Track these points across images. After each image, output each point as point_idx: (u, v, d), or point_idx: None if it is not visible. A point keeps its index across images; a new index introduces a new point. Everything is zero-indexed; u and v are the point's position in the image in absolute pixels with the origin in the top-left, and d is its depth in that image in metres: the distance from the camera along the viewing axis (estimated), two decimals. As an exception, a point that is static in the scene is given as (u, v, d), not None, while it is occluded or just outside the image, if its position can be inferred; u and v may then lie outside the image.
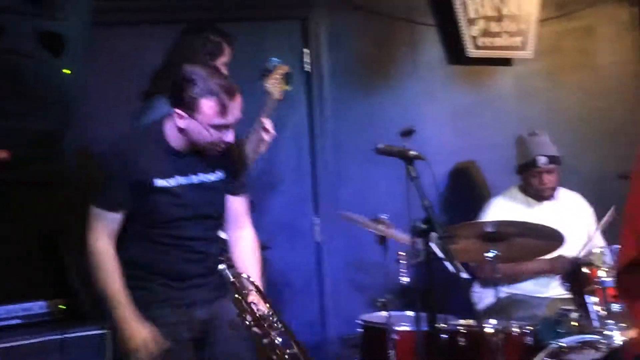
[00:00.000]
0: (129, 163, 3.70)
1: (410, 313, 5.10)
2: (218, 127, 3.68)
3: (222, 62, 4.81)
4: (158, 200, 3.74)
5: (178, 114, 3.67)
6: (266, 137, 4.77)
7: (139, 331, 3.71)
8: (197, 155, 3.80)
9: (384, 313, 4.78)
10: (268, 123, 4.77)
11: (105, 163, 3.78)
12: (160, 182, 3.73)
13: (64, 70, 4.01)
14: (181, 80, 3.66)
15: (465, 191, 6.10)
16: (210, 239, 3.96)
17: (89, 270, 3.74)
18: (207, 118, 3.66)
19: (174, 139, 3.75)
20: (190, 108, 3.65)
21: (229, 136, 3.74)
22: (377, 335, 4.86)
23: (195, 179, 3.82)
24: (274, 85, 4.88)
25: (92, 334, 4.54)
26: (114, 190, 3.73)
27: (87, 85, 4.64)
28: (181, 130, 3.71)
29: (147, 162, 3.72)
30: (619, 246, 3.69)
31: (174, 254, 3.81)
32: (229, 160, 3.91)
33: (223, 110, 3.66)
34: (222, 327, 3.85)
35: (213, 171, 3.87)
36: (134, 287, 3.76)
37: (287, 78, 4.98)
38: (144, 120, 4.54)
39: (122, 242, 3.80)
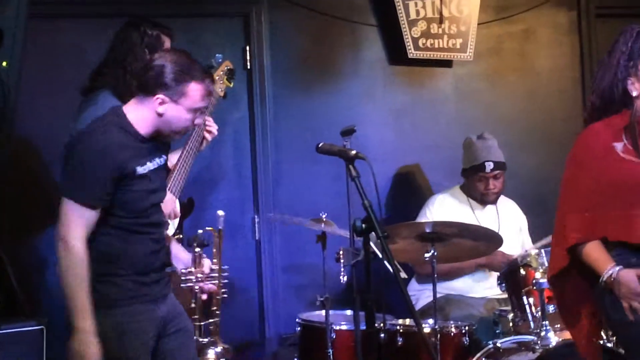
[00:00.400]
0: (108, 155, 3.57)
1: (348, 312, 5.13)
2: (197, 111, 3.71)
3: None
4: (137, 188, 3.66)
5: (161, 99, 3.64)
6: (208, 136, 4.75)
7: (94, 346, 3.58)
8: (154, 140, 3.76)
9: (322, 312, 4.78)
10: (210, 121, 4.75)
11: (81, 157, 3.58)
12: (139, 170, 3.66)
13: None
14: (161, 67, 3.64)
15: (406, 191, 6.12)
16: (165, 225, 3.94)
17: (59, 267, 3.56)
18: (192, 102, 3.67)
19: (140, 126, 3.69)
20: (176, 93, 3.64)
21: (199, 120, 3.78)
22: (315, 334, 4.87)
23: (156, 162, 3.76)
24: (217, 83, 4.86)
25: (29, 330, 4.49)
26: (96, 185, 3.57)
27: (25, 77, 4.60)
28: (159, 116, 3.67)
29: (123, 151, 3.62)
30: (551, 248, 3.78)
31: (145, 243, 3.72)
32: (166, 144, 3.90)
33: (208, 93, 3.72)
34: (174, 323, 3.81)
35: (162, 154, 3.83)
36: (102, 282, 3.63)
37: (229, 75, 4.95)
38: (88, 115, 4.51)
39: (91, 236, 3.62)
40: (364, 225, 3.50)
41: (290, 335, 5.40)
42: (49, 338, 4.55)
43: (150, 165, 3.72)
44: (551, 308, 4.64)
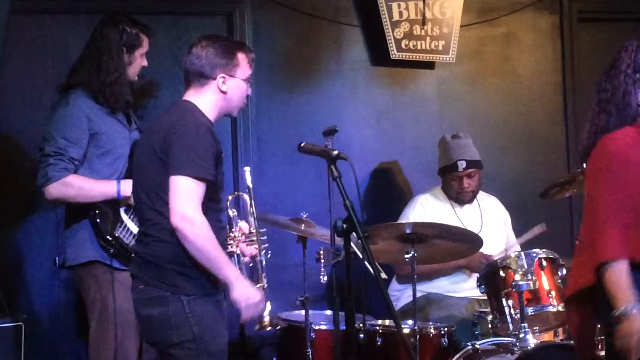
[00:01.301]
0: (211, 134, 3.74)
1: (328, 312, 5.14)
2: (249, 79, 3.96)
3: (140, 53, 4.78)
4: (221, 171, 3.84)
5: (222, 77, 3.86)
6: None
7: (253, 288, 3.86)
8: None
9: (302, 312, 4.79)
10: None
11: (191, 135, 3.68)
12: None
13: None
14: (209, 51, 3.87)
15: (387, 192, 6.13)
16: None
17: (191, 245, 3.64)
18: (244, 70, 3.94)
19: (210, 112, 3.87)
20: (231, 67, 3.89)
21: (250, 90, 4.01)
22: (295, 333, 4.87)
23: None
24: None
25: (7, 327, 4.48)
26: (207, 160, 3.69)
27: (7, 73, 4.59)
28: (224, 94, 3.88)
29: (214, 132, 3.81)
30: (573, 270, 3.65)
31: (222, 229, 3.90)
32: None
33: (252, 59, 3.98)
34: None
35: None
36: (198, 270, 3.73)
37: None
38: (58, 118, 4.52)
39: None
40: (344, 226, 3.51)
41: (269, 334, 5.40)
42: (28, 334, 4.54)
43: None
44: (530, 310, 4.67)
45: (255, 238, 4.22)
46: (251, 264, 4.29)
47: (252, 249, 4.19)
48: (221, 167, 3.83)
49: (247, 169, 4.50)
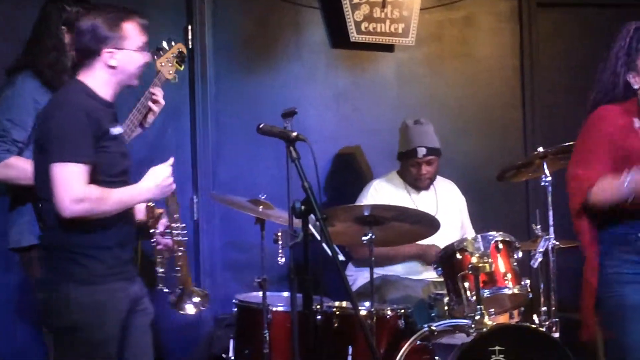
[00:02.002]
0: (86, 113, 3.60)
1: (285, 294, 5.14)
2: (143, 47, 3.80)
3: None
4: (112, 150, 3.71)
5: (108, 52, 3.71)
6: (155, 107, 4.72)
7: (153, 175, 3.82)
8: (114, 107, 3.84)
9: (260, 293, 4.79)
10: (158, 92, 4.72)
11: (63, 120, 3.58)
12: (112, 131, 3.71)
13: None
14: (92, 25, 3.71)
15: (346, 174, 6.14)
16: None
17: (97, 212, 3.58)
18: (134, 40, 3.76)
19: (103, 90, 3.75)
20: (117, 40, 3.72)
21: (149, 56, 3.88)
22: (252, 315, 4.88)
23: (120, 129, 3.84)
24: (166, 65, 4.83)
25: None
26: (84, 142, 3.58)
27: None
28: (114, 68, 3.73)
29: (97, 111, 3.67)
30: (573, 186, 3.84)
31: (124, 213, 3.75)
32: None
33: (142, 27, 3.82)
34: (141, 302, 3.85)
35: (119, 125, 3.89)
36: (88, 257, 3.63)
37: (180, 58, 4.91)
38: (4, 99, 4.47)
39: None
40: (303, 207, 3.51)
41: (226, 316, 5.40)
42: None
43: (119, 129, 3.80)
44: (486, 292, 4.70)
45: (173, 232, 4.11)
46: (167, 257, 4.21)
47: (166, 241, 4.09)
48: (116, 143, 3.73)
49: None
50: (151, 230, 4.04)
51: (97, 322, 3.64)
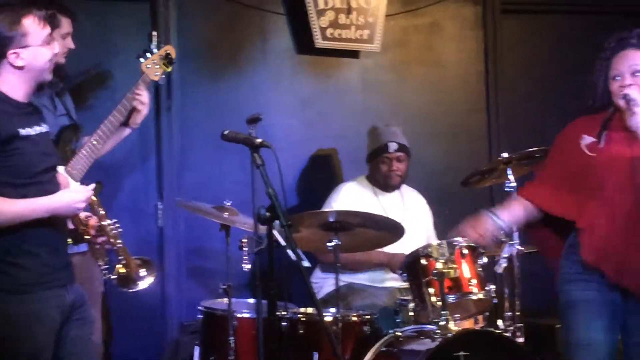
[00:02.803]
0: None
1: (251, 300, 5.13)
2: (49, 39, 3.69)
3: (60, 33, 4.69)
4: (28, 150, 3.61)
5: (13, 53, 3.62)
6: (141, 107, 4.71)
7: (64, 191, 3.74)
8: (33, 106, 3.77)
9: (225, 300, 4.78)
10: (144, 93, 4.71)
11: None
12: (23, 132, 3.61)
13: None
14: None
15: (311, 180, 6.14)
16: None
17: None
18: (37, 34, 3.65)
19: (16, 93, 3.67)
20: (20, 39, 3.62)
21: (56, 47, 3.77)
22: (217, 321, 4.86)
23: (38, 129, 3.72)
24: (152, 67, 4.83)
25: None
26: None
27: None
28: (22, 68, 3.64)
29: (4, 116, 3.58)
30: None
31: (49, 220, 3.64)
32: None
33: (43, 19, 3.68)
34: (79, 311, 3.77)
35: (43, 123, 3.79)
36: (12, 265, 3.55)
37: (167, 60, 4.91)
38: None
39: None
40: (268, 214, 3.52)
41: (191, 322, 5.38)
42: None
43: (36, 129, 3.69)
44: (451, 298, 4.71)
45: (105, 230, 4.07)
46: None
47: (102, 239, 4.05)
48: (32, 143, 3.64)
49: (61, 168, 4.20)
50: (86, 236, 3.99)
51: (27, 334, 3.55)
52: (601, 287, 3.87)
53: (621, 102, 3.85)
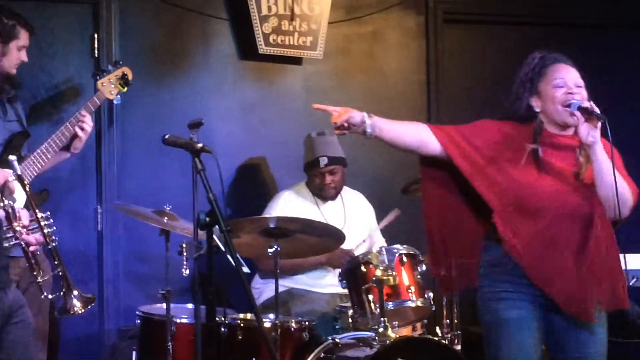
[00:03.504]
0: None
1: (190, 306, 5.12)
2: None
3: (17, 45, 4.71)
4: None
5: None
6: (81, 133, 4.71)
7: None
8: None
9: (163, 305, 4.76)
10: (88, 119, 4.70)
11: None
12: None
13: None
14: None
15: (252, 186, 6.13)
16: None
17: None
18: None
19: None
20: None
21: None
22: (155, 327, 4.84)
23: None
24: (108, 85, 4.83)
25: None
26: None
27: None
28: None
29: None
30: None
31: None
32: None
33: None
34: (18, 313, 3.73)
35: None
36: None
37: (124, 81, 4.91)
38: None
39: None
40: (207, 219, 3.51)
41: (130, 327, 5.35)
42: None
43: None
44: (390, 305, 4.74)
45: (37, 225, 4.02)
46: (38, 252, 4.09)
47: (36, 237, 3.99)
48: None
49: (12, 157, 4.16)
50: (17, 228, 3.89)
51: None
52: (531, 305, 3.79)
53: (568, 110, 3.75)
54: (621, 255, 3.89)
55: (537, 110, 3.86)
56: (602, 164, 3.69)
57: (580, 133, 3.70)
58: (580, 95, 3.79)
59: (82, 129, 4.71)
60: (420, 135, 3.97)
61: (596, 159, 3.70)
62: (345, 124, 3.95)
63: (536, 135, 3.82)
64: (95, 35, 5.77)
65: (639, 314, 5.33)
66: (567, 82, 3.81)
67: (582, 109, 3.71)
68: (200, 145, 3.65)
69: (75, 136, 4.75)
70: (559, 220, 3.72)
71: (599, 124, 3.67)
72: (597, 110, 3.69)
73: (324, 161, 5.50)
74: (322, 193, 5.61)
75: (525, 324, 3.77)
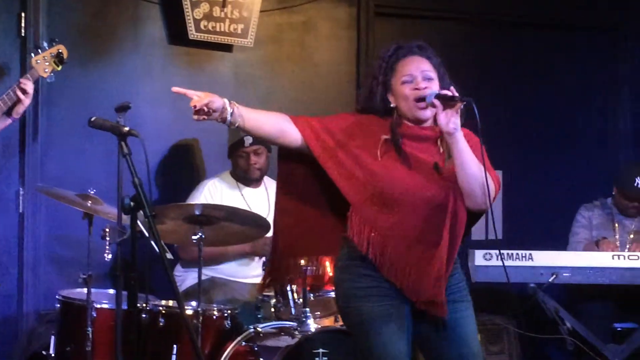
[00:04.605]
0: None
1: (111, 291, 5.08)
2: None
3: None
4: None
5: None
6: (24, 97, 4.63)
7: None
8: None
9: (84, 290, 4.71)
10: (29, 84, 4.63)
11: None
12: None
13: None
14: None
15: (180, 172, 6.10)
16: None
17: None
18: None
19: None
20: None
21: None
22: (75, 311, 4.80)
23: None
24: (42, 63, 4.75)
25: None
26: None
27: None
28: None
29: None
30: None
31: None
32: None
33: None
34: None
35: None
36: None
37: (58, 59, 4.82)
38: None
39: None
40: (132, 204, 3.48)
41: (49, 312, 5.29)
42: None
43: None
44: (312, 295, 4.75)
45: None
46: None
47: None
48: None
49: None
50: None
51: None
52: (395, 301, 3.63)
53: (424, 103, 3.65)
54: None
55: (392, 105, 3.75)
56: (463, 154, 3.60)
57: (440, 122, 3.58)
58: (430, 89, 3.67)
59: (24, 92, 4.64)
60: (280, 125, 3.84)
61: (457, 148, 3.59)
62: (205, 109, 3.84)
63: (394, 128, 3.70)
64: (23, 14, 5.68)
65: (555, 310, 5.43)
66: (415, 77, 3.71)
67: (440, 97, 3.60)
68: (126, 128, 3.63)
69: (17, 101, 4.68)
70: (415, 212, 3.61)
71: (459, 110, 3.58)
72: (457, 94, 3.61)
73: (248, 140, 5.49)
74: (247, 175, 5.59)
75: (394, 320, 3.63)
